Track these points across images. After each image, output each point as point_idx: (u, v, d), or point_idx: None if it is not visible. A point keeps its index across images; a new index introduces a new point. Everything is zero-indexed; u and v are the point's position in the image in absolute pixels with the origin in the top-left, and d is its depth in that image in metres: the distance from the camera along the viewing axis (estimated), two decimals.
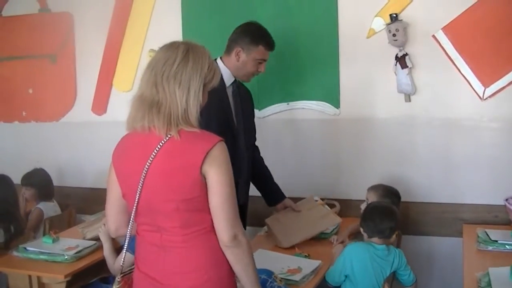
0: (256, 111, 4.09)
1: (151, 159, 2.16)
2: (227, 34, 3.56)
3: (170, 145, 2.15)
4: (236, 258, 2.21)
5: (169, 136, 2.15)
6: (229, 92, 3.49)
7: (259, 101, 4.32)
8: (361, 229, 3.28)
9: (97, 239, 3.79)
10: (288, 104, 4.37)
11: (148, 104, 2.17)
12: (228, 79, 3.46)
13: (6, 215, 4.16)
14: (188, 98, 2.17)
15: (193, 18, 4.61)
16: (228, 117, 3.48)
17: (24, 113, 5.45)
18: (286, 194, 3.90)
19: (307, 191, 4.17)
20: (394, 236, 3.27)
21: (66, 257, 3.54)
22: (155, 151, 2.15)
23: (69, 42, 5.16)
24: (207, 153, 2.13)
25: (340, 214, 3.99)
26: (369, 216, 3.24)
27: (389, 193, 3.72)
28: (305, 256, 3.38)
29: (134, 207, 2.23)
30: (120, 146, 2.33)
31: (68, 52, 5.17)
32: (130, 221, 2.29)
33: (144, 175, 2.17)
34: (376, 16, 4.07)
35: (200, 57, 2.25)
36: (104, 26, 4.96)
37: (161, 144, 2.15)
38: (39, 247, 3.70)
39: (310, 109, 4.32)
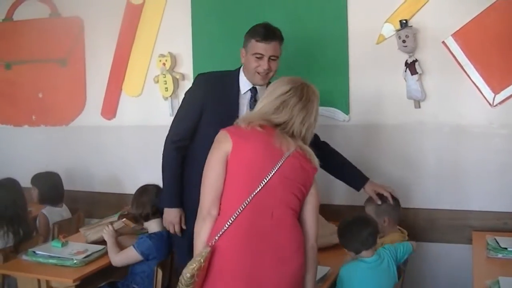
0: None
1: (291, 151, 2.55)
2: (236, 40, 3.56)
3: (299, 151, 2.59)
4: (314, 256, 2.64)
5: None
6: (245, 99, 3.45)
7: None
8: (346, 250, 3.21)
9: (99, 241, 3.86)
10: None
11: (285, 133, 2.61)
12: (244, 86, 3.44)
13: (15, 218, 4.19)
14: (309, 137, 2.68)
15: (203, 24, 4.64)
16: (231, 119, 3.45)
17: (33, 117, 5.49)
18: None
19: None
20: (378, 239, 3.20)
21: (75, 261, 3.55)
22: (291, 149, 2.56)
23: (79, 47, 5.21)
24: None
25: None
26: (345, 232, 3.17)
27: (381, 197, 3.66)
28: None
29: (266, 179, 2.50)
30: (240, 133, 2.57)
31: (78, 57, 5.21)
32: (246, 201, 2.49)
33: (285, 157, 2.54)
34: (386, 22, 4.09)
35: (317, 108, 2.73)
36: (114, 31, 5.01)
37: (296, 148, 2.58)
38: (48, 251, 3.71)
39: (320, 115, 4.30)
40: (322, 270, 3.23)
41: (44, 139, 5.44)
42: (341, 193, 4.31)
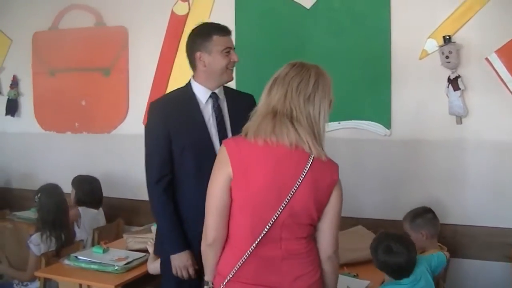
0: None
1: (304, 174, 2.32)
2: (280, 52, 3.65)
3: (315, 162, 2.35)
4: (332, 269, 2.49)
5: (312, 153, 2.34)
6: (208, 108, 3.22)
7: None
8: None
9: (142, 250, 3.98)
10: (339, 123, 4.44)
11: (285, 117, 2.34)
12: (203, 96, 3.23)
13: (57, 223, 4.32)
14: (319, 121, 2.39)
15: (246, 38, 4.71)
16: (203, 135, 3.21)
17: (76, 124, 5.65)
18: None
19: (353, 211, 4.22)
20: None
21: (116, 268, 3.69)
22: (306, 166, 2.33)
23: (123, 56, 5.37)
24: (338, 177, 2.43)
25: None
26: (380, 257, 3.11)
27: (420, 212, 3.73)
28: (354, 276, 3.43)
29: (273, 219, 2.32)
30: (241, 156, 2.37)
31: (121, 66, 5.37)
32: (260, 235, 2.34)
33: (295, 189, 2.32)
34: (429, 37, 4.15)
35: (327, 84, 2.44)
36: (158, 41, 5.14)
37: (310, 159, 2.33)
38: (90, 256, 3.86)
39: (361, 129, 4.40)
40: (361, 284, 3.28)
41: (86, 146, 5.60)
42: (376, 205, 4.39)
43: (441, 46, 4.05)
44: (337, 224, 2.45)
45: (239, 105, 3.15)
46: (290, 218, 2.33)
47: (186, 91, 3.27)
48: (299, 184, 2.31)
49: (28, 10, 5.89)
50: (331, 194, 2.40)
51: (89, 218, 4.79)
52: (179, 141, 3.13)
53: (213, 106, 3.22)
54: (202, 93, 3.22)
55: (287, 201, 2.31)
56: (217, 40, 3.17)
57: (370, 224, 4.18)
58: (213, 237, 2.40)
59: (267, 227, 2.32)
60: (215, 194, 2.38)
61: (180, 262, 3.13)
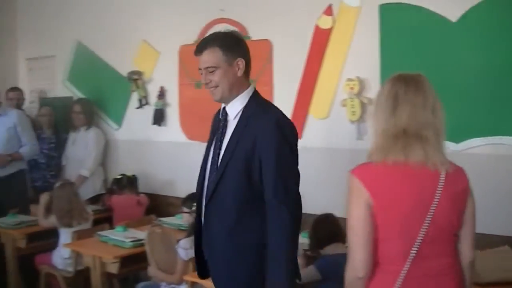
0: (452, 144, 4.24)
1: (441, 188, 2.40)
2: (428, 67, 3.68)
3: (447, 175, 2.42)
4: (471, 275, 2.56)
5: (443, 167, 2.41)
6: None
7: (456, 134, 4.43)
8: None
9: None
10: (487, 138, 4.41)
11: (414, 135, 2.40)
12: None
13: None
14: (442, 131, 2.46)
15: (391, 50, 4.81)
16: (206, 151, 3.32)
17: None
18: (480, 229, 3.97)
19: (503, 227, 4.25)
20: None
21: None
22: (441, 180, 2.40)
23: (268, 69, 5.58)
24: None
25: None
26: None
27: None
28: None
29: (421, 237, 2.38)
30: (377, 180, 2.42)
31: (266, 78, 5.58)
32: (411, 255, 2.40)
33: (436, 204, 2.39)
34: None
35: (431, 88, 2.49)
36: (302, 54, 5.32)
37: (443, 173, 2.40)
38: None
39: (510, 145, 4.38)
40: None
41: None
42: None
43: None
44: (474, 226, 2.52)
45: (248, 129, 3.04)
46: (435, 233, 2.38)
47: None
48: (438, 198, 2.37)
49: (175, 24, 6.27)
50: (467, 199, 2.48)
51: None
52: None
53: (220, 123, 3.22)
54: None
55: (431, 216, 2.37)
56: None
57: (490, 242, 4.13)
58: (365, 269, 2.41)
59: (416, 246, 2.37)
60: (359, 227, 2.40)
61: None
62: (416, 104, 2.42)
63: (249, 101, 3.12)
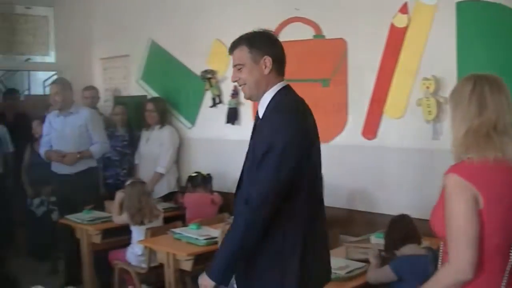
0: None
1: None
2: (504, 64, 3.64)
3: None
4: None
5: None
6: None
7: None
8: None
9: (362, 260, 4.25)
10: None
11: (504, 132, 2.50)
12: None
13: None
14: None
15: (468, 49, 4.78)
16: None
17: None
18: None
19: None
20: None
21: (337, 276, 3.91)
22: None
23: (342, 68, 5.61)
24: None
25: None
26: None
27: None
28: None
29: None
30: (482, 178, 2.46)
31: (340, 77, 5.62)
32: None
33: None
34: None
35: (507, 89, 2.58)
36: (377, 53, 5.33)
37: None
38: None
39: None
40: None
41: None
42: None
43: None
44: None
45: (259, 127, 3.10)
46: None
47: None
48: None
49: (249, 23, 6.29)
50: None
51: None
52: None
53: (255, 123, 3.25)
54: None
55: None
56: None
57: None
58: (473, 271, 2.40)
59: None
60: (468, 225, 2.40)
61: None
62: (502, 104, 2.50)
63: (271, 99, 3.11)
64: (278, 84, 3.13)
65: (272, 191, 2.92)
